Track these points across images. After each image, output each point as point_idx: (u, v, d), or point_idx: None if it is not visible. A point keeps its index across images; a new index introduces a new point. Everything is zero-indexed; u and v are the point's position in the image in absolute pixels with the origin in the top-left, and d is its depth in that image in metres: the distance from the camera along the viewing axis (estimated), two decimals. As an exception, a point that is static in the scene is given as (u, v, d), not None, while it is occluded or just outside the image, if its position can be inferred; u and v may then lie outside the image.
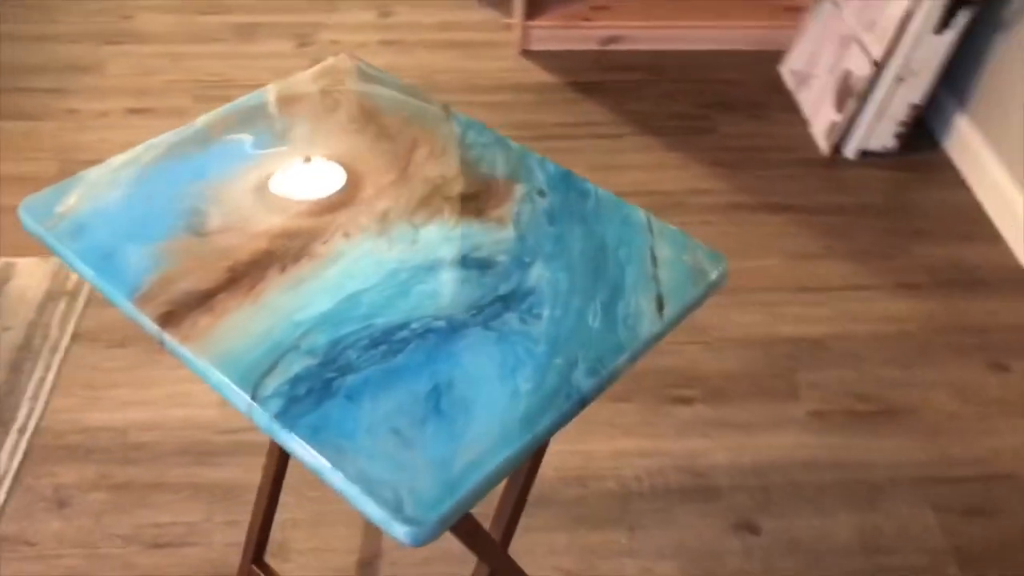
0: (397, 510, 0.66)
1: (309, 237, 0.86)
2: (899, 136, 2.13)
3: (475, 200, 0.91)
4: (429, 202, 0.91)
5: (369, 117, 1.01)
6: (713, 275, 0.85)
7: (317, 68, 1.08)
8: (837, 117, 2.13)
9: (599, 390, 0.76)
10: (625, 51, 2.47)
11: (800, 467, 1.54)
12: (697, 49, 2.48)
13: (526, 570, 1.07)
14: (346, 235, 0.87)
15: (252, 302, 0.80)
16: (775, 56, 2.46)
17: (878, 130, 2.12)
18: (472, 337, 0.78)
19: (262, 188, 0.91)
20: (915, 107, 2.08)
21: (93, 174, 0.92)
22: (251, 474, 1.51)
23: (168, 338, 0.78)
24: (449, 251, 0.86)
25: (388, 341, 0.78)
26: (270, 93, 1.03)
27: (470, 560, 1.03)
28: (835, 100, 2.15)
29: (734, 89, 2.37)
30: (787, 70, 2.39)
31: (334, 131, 0.99)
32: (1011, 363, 1.72)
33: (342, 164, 0.95)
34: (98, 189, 0.91)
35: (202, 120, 0.99)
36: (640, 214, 0.91)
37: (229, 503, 1.47)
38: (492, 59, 2.43)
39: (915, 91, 2.05)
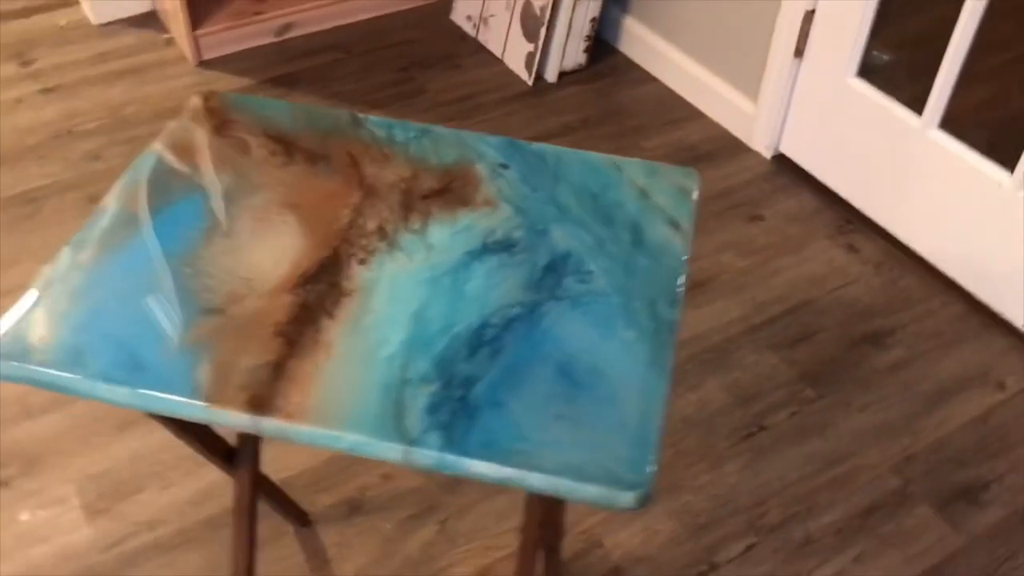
0: (616, 482, 0.68)
1: (327, 276, 0.82)
2: (587, 51, 2.32)
3: (450, 192, 0.91)
4: (411, 206, 0.89)
5: (287, 145, 0.95)
6: (694, 186, 0.93)
7: (184, 116, 0.99)
8: (531, 47, 2.27)
9: (679, 316, 0.82)
10: (303, 36, 2.42)
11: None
12: (368, 17, 2.50)
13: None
14: (361, 262, 0.83)
15: (327, 357, 0.75)
16: (442, 7, 2.55)
17: (569, 50, 2.30)
18: (551, 312, 0.80)
19: (242, 247, 0.84)
20: (594, 20, 2.28)
21: (40, 292, 0.79)
22: (167, 572, 1.37)
23: (269, 424, 0.71)
24: (467, 244, 0.86)
25: (483, 343, 0.77)
26: (163, 152, 0.94)
27: None
28: (524, 32, 2.29)
29: (421, 47, 2.43)
30: (461, 17, 2.49)
31: (264, 170, 0.92)
32: (763, 212, 2.00)
33: (298, 200, 0.89)
34: (61, 305, 0.78)
35: (112, 201, 0.88)
36: (598, 158, 0.96)
37: (155, 613, 1.33)
38: (171, 78, 2.27)
39: (593, 5, 2.24)
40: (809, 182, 2.06)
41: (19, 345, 0.75)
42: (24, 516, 1.44)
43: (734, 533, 1.46)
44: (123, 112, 2.18)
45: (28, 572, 1.37)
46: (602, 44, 2.43)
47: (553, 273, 0.83)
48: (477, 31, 2.44)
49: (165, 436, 1.54)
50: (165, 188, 0.89)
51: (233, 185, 0.90)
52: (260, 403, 0.72)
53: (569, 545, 1.44)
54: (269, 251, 0.84)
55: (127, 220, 0.86)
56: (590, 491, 0.68)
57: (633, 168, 0.95)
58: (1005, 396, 1.67)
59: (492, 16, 2.38)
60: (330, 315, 0.79)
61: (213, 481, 1.49)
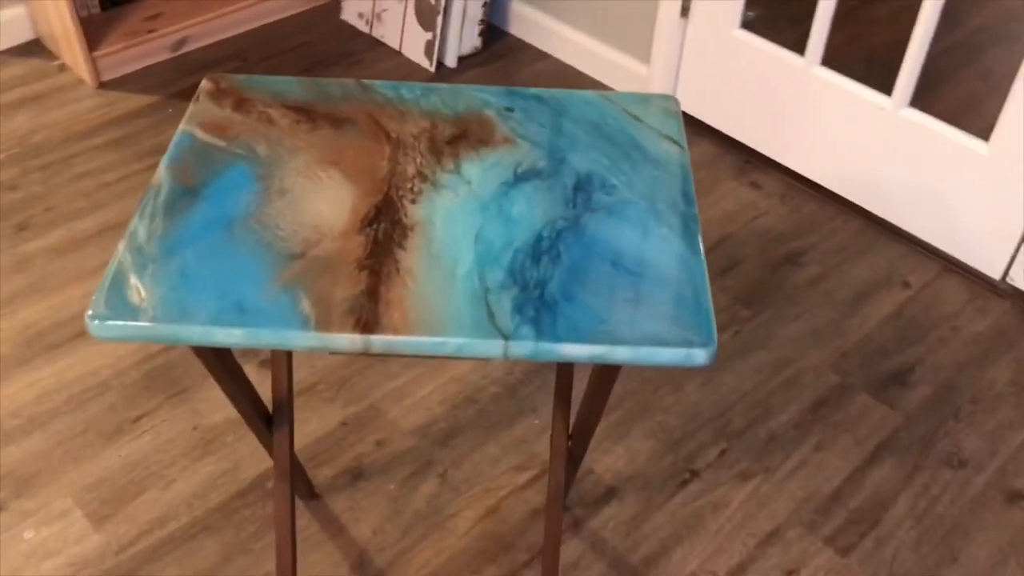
0: (689, 343, 0.80)
1: (387, 217, 0.90)
2: (481, 35, 2.43)
3: (470, 135, 1.01)
4: (440, 151, 0.98)
5: (305, 113, 1.03)
6: (677, 108, 1.06)
7: (200, 100, 1.04)
8: (429, 36, 2.37)
9: (697, 211, 0.94)
10: (199, 48, 2.44)
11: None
12: (260, 25, 2.53)
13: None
14: (412, 201, 0.92)
15: (412, 280, 0.84)
16: (332, 8, 2.61)
17: (465, 35, 2.40)
18: (592, 222, 0.91)
19: (299, 202, 0.91)
20: (486, 5, 2.39)
21: (127, 259, 0.85)
22: (191, 568, 1.41)
23: (379, 340, 0.79)
24: (501, 176, 0.96)
25: (542, 252, 0.87)
26: (194, 130, 0.99)
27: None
28: (420, 22, 2.38)
29: (318, 48, 2.49)
30: (352, 15, 2.56)
31: (294, 136, 0.99)
32: (671, 162, 2.16)
33: (336, 157, 0.97)
34: (148, 270, 0.84)
35: (163, 180, 0.94)
36: (590, 94, 1.07)
37: (186, 601, 1.37)
38: (74, 102, 2.26)
39: (476, -7, 2.36)
40: (708, 131, 2.23)
41: (124, 307, 0.81)
42: (28, 534, 1.44)
43: (706, 442, 1.60)
44: (32, 140, 2.15)
45: (48, 584, 1.38)
46: (493, 29, 2.55)
47: (582, 191, 0.94)
48: (371, 27, 2.52)
49: (156, 440, 1.57)
50: (209, 161, 0.96)
51: (270, 152, 0.97)
52: (367, 324, 0.80)
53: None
54: (326, 203, 0.92)
55: (183, 192, 0.92)
56: (669, 354, 0.80)
57: (621, 99, 1.07)
58: (912, 292, 1.88)
59: (385, 11, 2.47)
60: (402, 247, 0.87)
61: (212, 473, 1.53)
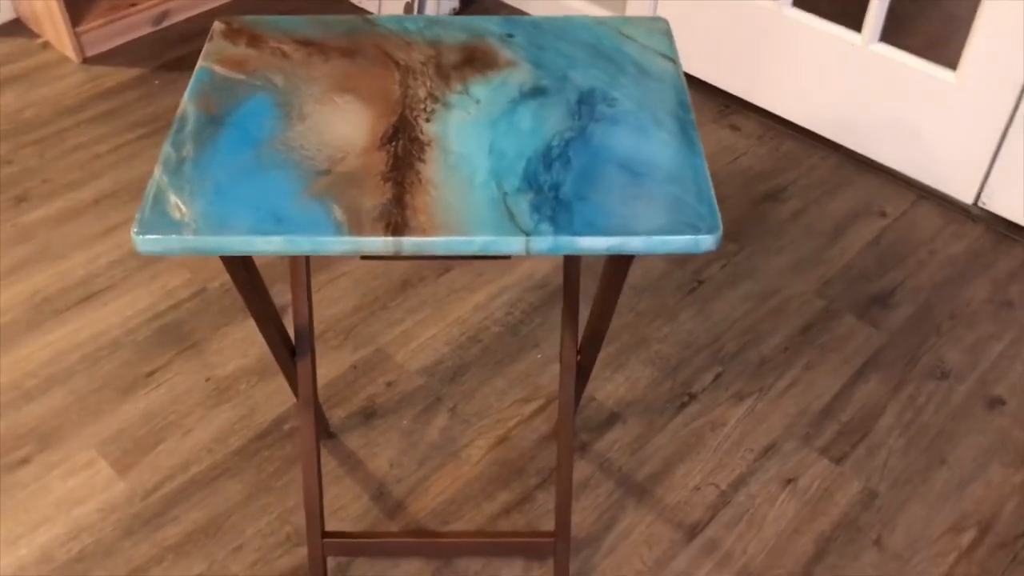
0: (696, 230, 0.86)
1: (404, 134, 0.96)
2: (458, -4, 2.49)
3: (475, 60, 1.06)
4: (447, 75, 1.04)
5: (316, 47, 1.08)
6: (668, 27, 1.12)
7: (214, 38, 1.09)
8: (407, -1, 2.42)
9: (694, 117, 1.00)
10: (182, 21, 2.47)
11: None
12: (239, -3, 2.57)
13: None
14: (427, 120, 0.98)
15: (434, 188, 0.90)
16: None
17: (443, -3, 2.46)
18: (597, 131, 0.97)
19: (320, 124, 0.97)
20: (461, -33, 2.44)
21: (164, 181, 0.90)
22: (216, 507, 1.46)
23: (409, 241, 0.85)
24: (507, 95, 1.01)
25: (554, 159, 0.93)
26: (212, 66, 1.04)
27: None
28: (398, -14, 2.43)
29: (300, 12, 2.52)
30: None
31: (309, 67, 1.04)
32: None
33: (350, 84, 1.02)
34: (185, 188, 0.89)
35: (188, 111, 0.98)
36: (584, 19, 1.13)
37: (224, 537, 1.42)
38: (60, 79, 2.28)
39: (453, -45, 2.41)
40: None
41: (167, 223, 0.86)
42: (56, 484, 1.49)
43: (702, 367, 1.67)
44: (23, 116, 2.18)
45: (77, 529, 1.43)
46: (467, -10, 2.60)
47: (586, 105, 1.00)
48: (350, -6, 2.56)
49: (171, 392, 1.62)
50: (230, 93, 1.01)
51: (287, 82, 1.02)
52: (397, 227, 0.86)
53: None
54: (346, 124, 0.97)
55: (208, 121, 0.97)
56: (680, 242, 0.86)
57: (614, 22, 1.12)
58: (889, 220, 1.95)
59: (362, -23, 2.51)
60: (421, 160, 0.93)
61: (228, 419, 1.58)
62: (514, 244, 0.86)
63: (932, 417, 1.60)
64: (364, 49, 1.07)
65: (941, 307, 1.78)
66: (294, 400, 1.60)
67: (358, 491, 1.48)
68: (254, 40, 1.08)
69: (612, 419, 1.59)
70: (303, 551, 1.40)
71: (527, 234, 0.85)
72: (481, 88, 1.02)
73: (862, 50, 1.95)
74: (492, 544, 1.36)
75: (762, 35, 2.09)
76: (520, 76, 1.04)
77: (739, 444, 1.56)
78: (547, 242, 0.86)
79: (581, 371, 1.26)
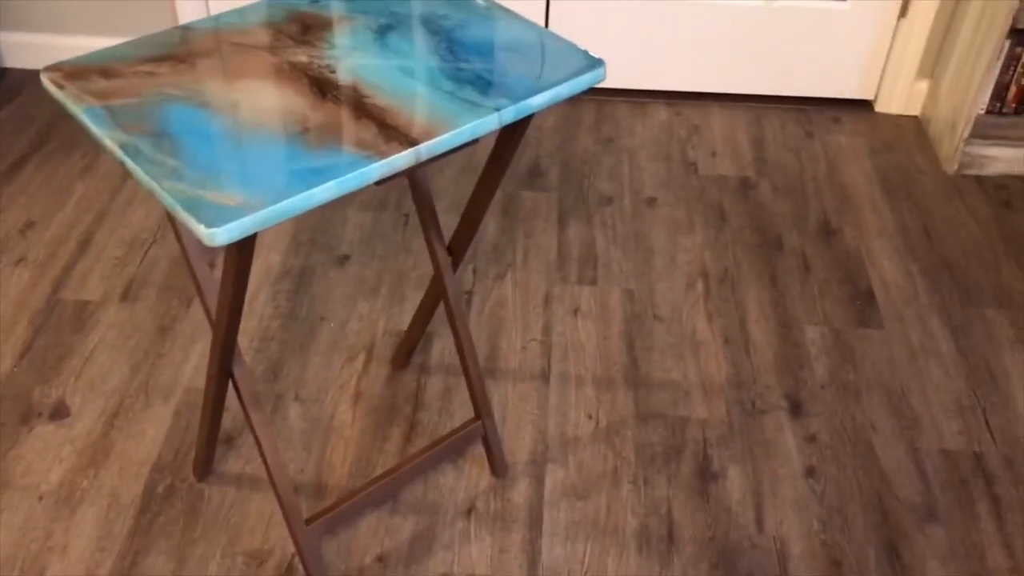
0: (588, 69, 1.13)
1: (327, 87, 1.07)
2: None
3: (313, 25, 1.18)
4: (306, 40, 1.15)
5: (169, 59, 1.11)
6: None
7: (64, 88, 1.07)
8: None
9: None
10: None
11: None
12: None
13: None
14: (332, 72, 1.10)
15: (397, 108, 1.04)
16: None
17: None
18: (460, 35, 1.17)
19: (256, 109, 1.04)
20: None
21: (177, 187, 0.92)
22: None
23: (423, 147, 1.00)
24: (369, 36, 1.17)
25: (453, 60, 1.13)
26: (95, 105, 1.03)
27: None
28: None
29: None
30: None
31: (187, 75, 1.09)
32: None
33: (240, 73, 1.09)
34: (213, 181, 0.93)
35: (125, 140, 0.99)
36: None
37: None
38: None
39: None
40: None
41: (227, 213, 0.90)
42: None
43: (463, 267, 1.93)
44: None
45: None
46: None
47: (432, 23, 1.19)
48: None
49: (10, 530, 1.45)
50: (144, 113, 1.02)
51: (183, 91, 1.06)
52: (409, 141, 1.00)
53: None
54: (275, 98, 1.05)
55: (159, 138, 0.99)
56: (588, 78, 1.12)
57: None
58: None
59: None
60: (364, 96, 1.06)
61: (97, 515, 1.48)
62: (491, 121, 1.05)
63: (625, 227, 2.04)
64: (214, 48, 1.14)
65: (572, 161, 2.23)
66: (150, 465, 1.54)
67: (273, 498, 1.51)
68: (106, 73, 1.09)
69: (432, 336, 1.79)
70: (271, 565, 1.41)
71: (497, 110, 1.05)
72: (342, 39, 1.16)
73: (767, 8, 2.34)
74: (430, 457, 1.50)
75: (669, 19, 2.37)
76: (361, 21, 1.19)
77: (524, 306, 1.85)
78: (511, 111, 1.06)
79: (455, 262, 1.45)
